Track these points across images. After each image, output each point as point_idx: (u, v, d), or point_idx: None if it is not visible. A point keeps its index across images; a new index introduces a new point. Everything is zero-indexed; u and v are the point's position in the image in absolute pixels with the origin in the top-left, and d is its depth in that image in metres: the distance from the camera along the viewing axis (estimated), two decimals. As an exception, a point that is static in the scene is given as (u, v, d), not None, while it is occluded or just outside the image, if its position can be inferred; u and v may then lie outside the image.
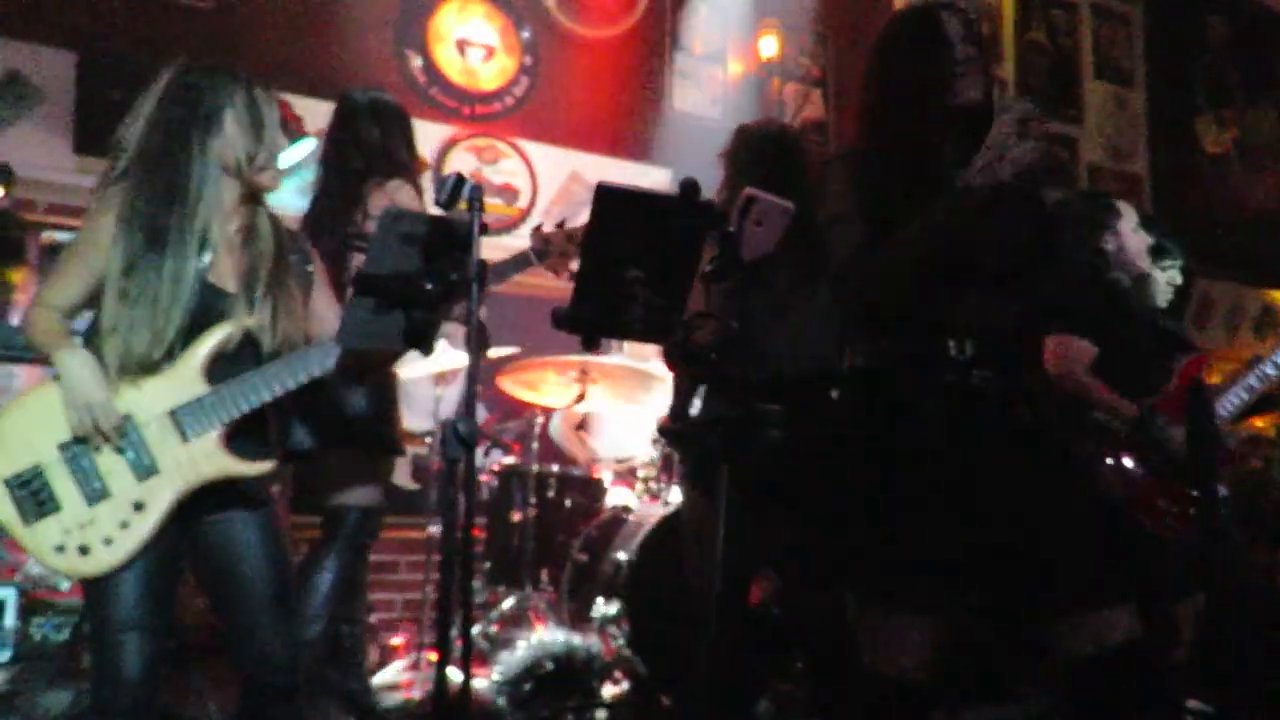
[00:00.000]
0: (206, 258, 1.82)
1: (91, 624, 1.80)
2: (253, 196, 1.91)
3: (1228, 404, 2.68)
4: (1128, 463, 2.49)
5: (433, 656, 3.34)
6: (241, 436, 1.84)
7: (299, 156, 4.01)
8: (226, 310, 1.83)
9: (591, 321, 1.61)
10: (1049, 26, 6.49)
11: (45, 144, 3.78)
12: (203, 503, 1.82)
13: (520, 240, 4.65)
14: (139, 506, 1.75)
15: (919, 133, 1.70)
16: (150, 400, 1.78)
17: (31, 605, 3.27)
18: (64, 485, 1.75)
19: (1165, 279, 3.02)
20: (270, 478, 1.90)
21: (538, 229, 2.55)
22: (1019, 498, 1.58)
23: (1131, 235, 2.72)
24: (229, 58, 4.15)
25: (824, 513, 1.63)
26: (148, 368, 1.76)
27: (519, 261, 2.52)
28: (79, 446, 1.76)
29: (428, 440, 3.85)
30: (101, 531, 1.73)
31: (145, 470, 1.77)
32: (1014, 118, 1.49)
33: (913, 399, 1.58)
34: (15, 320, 3.66)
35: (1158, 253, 3.01)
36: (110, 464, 1.76)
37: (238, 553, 1.84)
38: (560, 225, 2.49)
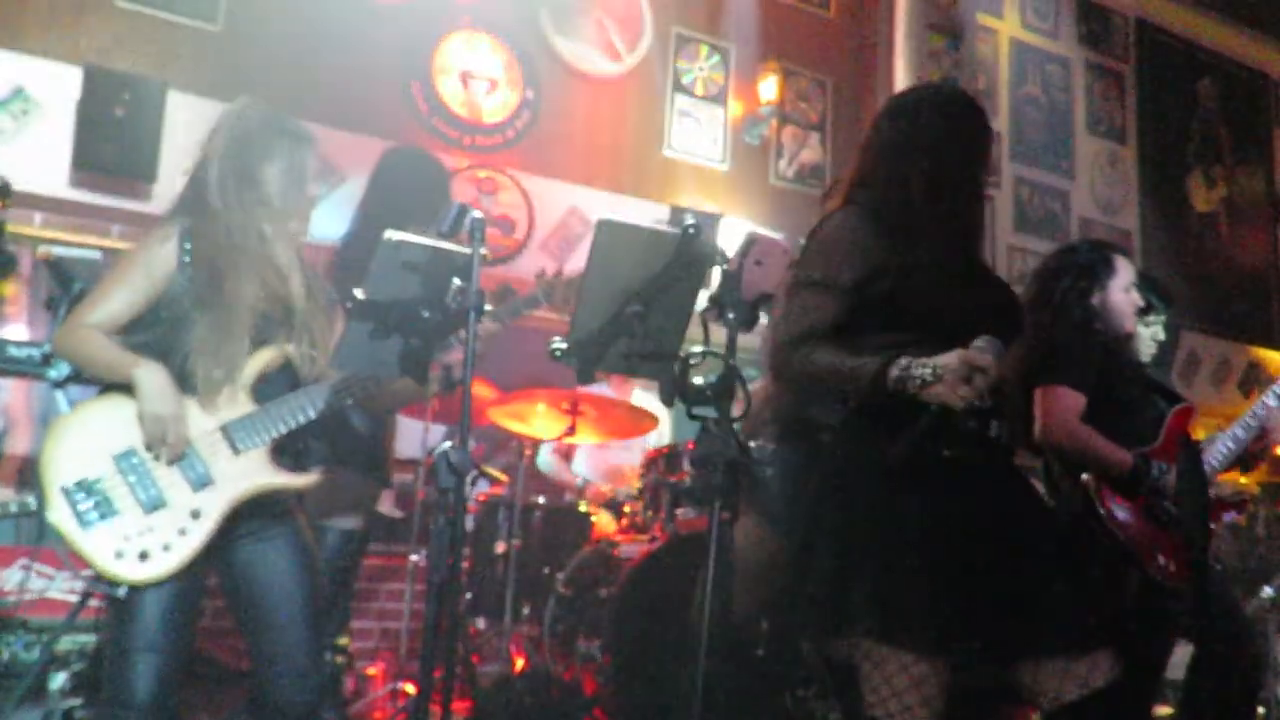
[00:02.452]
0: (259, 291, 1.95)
1: (109, 642, 1.83)
2: (294, 234, 2.05)
3: (1216, 454, 2.69)
4: (1126, 509, 2.49)
5: (410, 688, 3.30)
6: (282, 452, 1.93)
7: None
8: (269, 337, 1.93)
9: (588, 355, 1.61)
10: (1043, 81, 6.60)
11: (44, 158, 3.78)
12: (237, 522, 1.89)
13: (514, 271, 4.69)
14: (196, 515, 1.83)
15: (971, 214, 1.75)
16: (203, 418, 1.88)
17: (2, 622, 3.22)
18: (122, 494, 1.81)
19: (1149, 334, 3.04)
20: (299, 492, 1.99)
21: (542, 273, 2.55)
22: (1016, 543, 1.58)
23: (1120, 294, 2.73)
24: (235, 81, 4.19)
25: (830, 556, 1.61)
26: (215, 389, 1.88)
27: (527, 303, 2.51)
28: (136, 457, 1.83)
29: (418, 469, 3.84)
30: (161, 538, 1.79)
31: (200, 481, 1.85)
32: (975, 360, 1.48)
33: (932, 445, 1.56)
34: (2, 332, 3.65)
35: (1143, 310, 3.03)
36: (166, 475, 1.84)
37: (268, 577, 1.90)
38: (558, 273, 2.50)
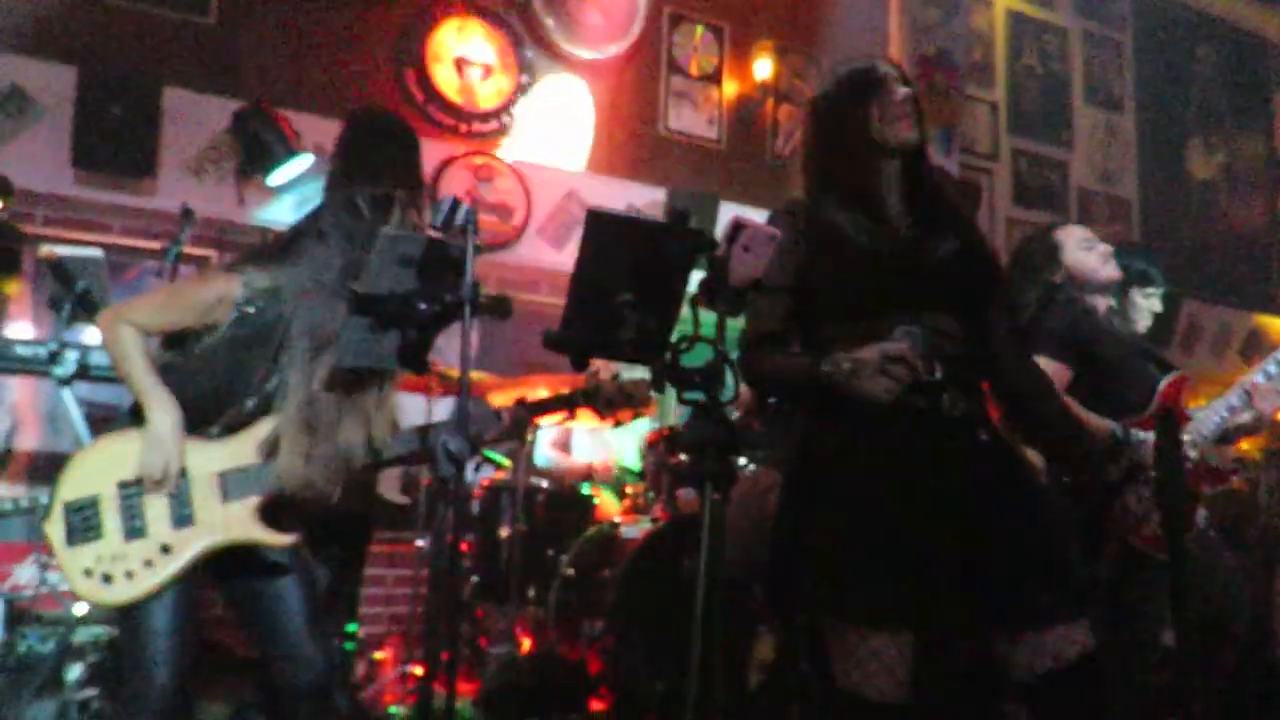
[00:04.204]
0: None
1: (122, 636, 1.92)
2: None
3: (1209, 423, 2.71)
4: (1113, 481, 2.52)
5: (419, 671, 3.35)
6: (277, 509, 1.97)
7: (296, 172, 4.05)
8: (285, 396, 1.95)
9: (582, 343, 1.64)
10: (1040, 52, 6.57)
11: (44, 157, 3.80)
12: (234, 560, 1.95)
13: (514, 258, 4.71)
14: (165, 550, 1.88)
15: (858, 172, 1.79)
16: (206, 459, 1.93)
17: (18, 616, 3.27)
18: (111, 519, 1.89)
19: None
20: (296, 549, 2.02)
21: (595, 373, 2.44)
22: (982, 517, 1.61)
23: (1077, 254, 2.75)
24: (229, 74, 4.21)
25: (797, 531, 1.66)
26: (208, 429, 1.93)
27: (566, 400, 2.41)
28: (136, 487, 1.90)
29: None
30: (126, 565, 1.86)
31: (182, 520, 1.90)
32: (888, 352, 1.56)
33: (885, 418, 1.62)
34: (7, 331, 3.69)
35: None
36: (155, 508, 1.90)
37: (267, 590, 1.98)
38: (615, 376, 2.44)
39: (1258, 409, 2.66)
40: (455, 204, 1.72)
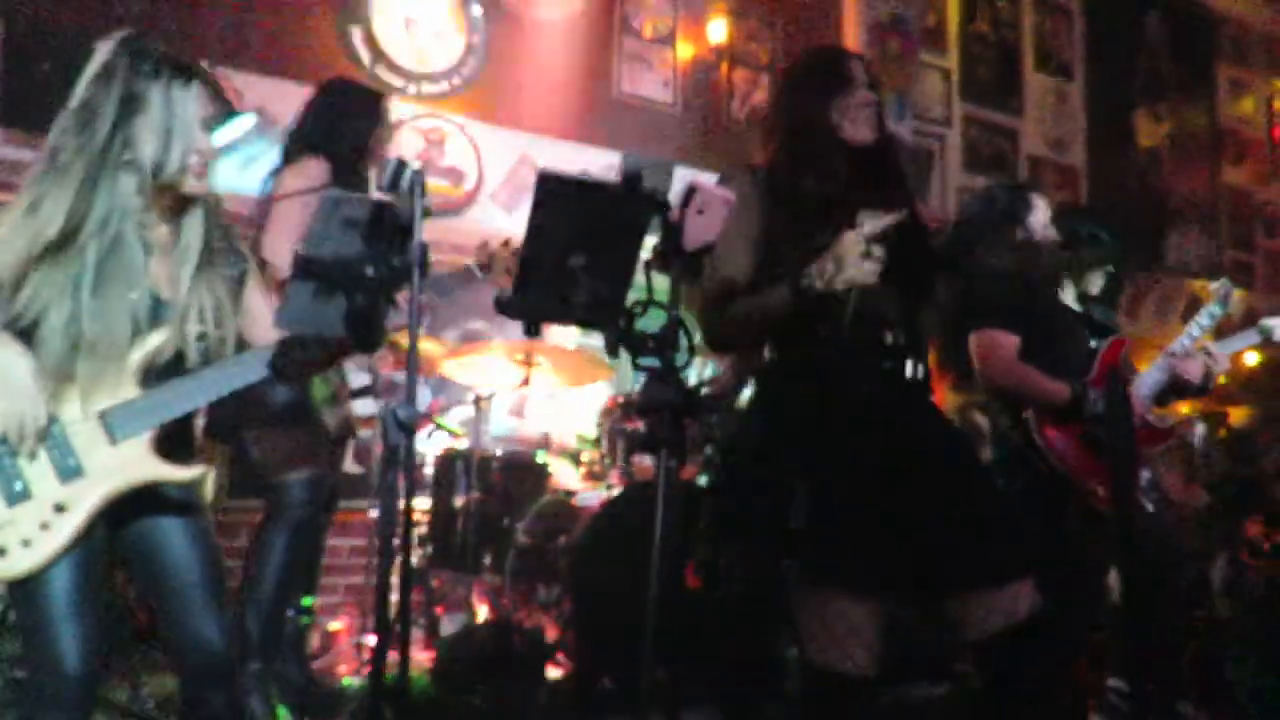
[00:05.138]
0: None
1: (23, 623, 1.75)
2: (184, 197, 1.85)
3: (1146, 384, 2.77)
4: (1064, 439, 2.56)
5: (373, 640, 3.33)
6: (170, 440, 1.80)
7: (237, 134, 3.92)
8: (161, 316, 1.80)
9: (535, 307, 1.61)
10: (993, 18, 6.59)
11: (-31, 116, 3.64)
12: (130, 509, 1.79)
13: (465, 223, 4.63)
14: (60, 508, 1.70)
15: (819, 159, 1.84)
16: (81, 403, 1.73)
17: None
18: None
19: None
20: (198, 485, 1.86)
21: (483, 244, 2.58)
22: (938, 481, 1.64)
23: (1041, 231, 2.78)
24: (168, 31, 4.05)
25: (762, 496, 1.66)
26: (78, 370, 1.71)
27: (463, 276, 2.55)
28: (4, 447, 1.70)
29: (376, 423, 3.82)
30: (20, 533, 1.67)
31: (70, 472, 1.71)
32: (863, 234, 1.60)
33: (850, 383, 1.63)
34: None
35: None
36: (35, 466, 1.70)
37: (161, 544, 1.81)
38: (505, 243, 2.52)
39: (1180, 370, 2.73)
40: (400, 165, 1.67)
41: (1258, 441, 5.21)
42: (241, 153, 3.96)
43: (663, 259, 1.58)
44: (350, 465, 4.12)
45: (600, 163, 5.08)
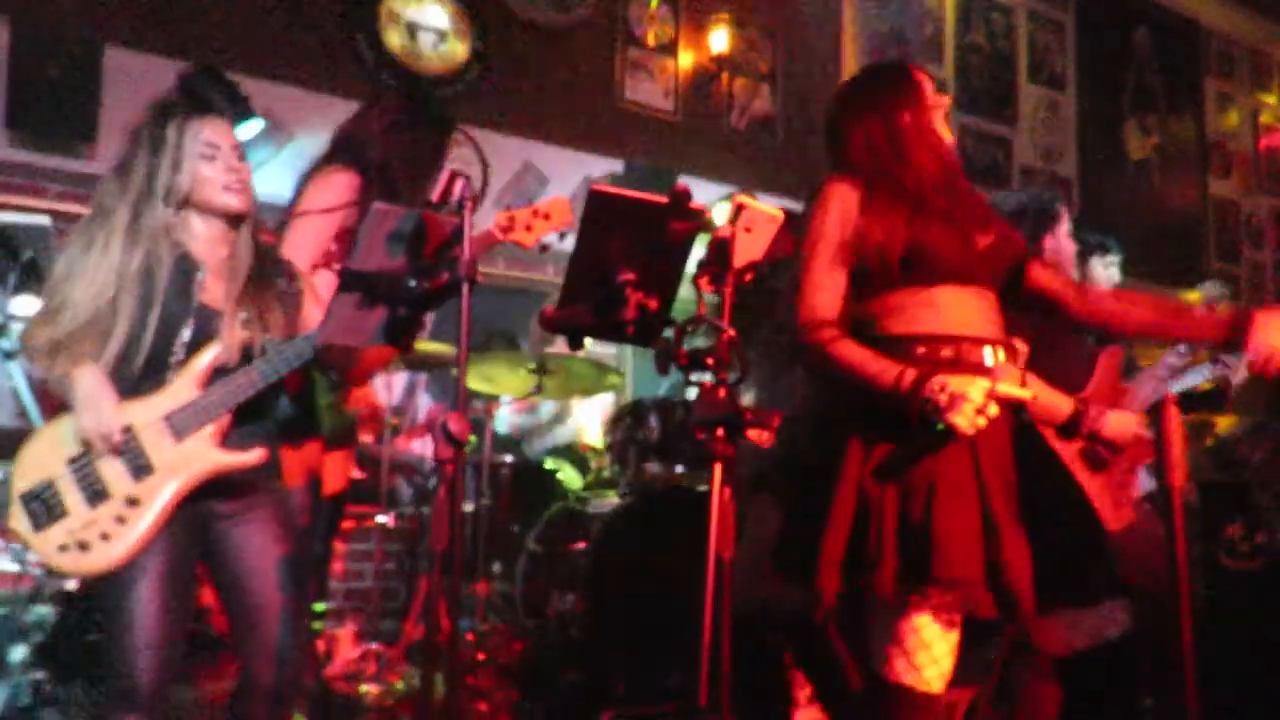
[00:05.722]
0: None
1: (106, 628, 1.87)
2: (232, 219, 1.99)
3: (1139, 396, 2.80)
4: (1065, 452, 2.59)
5: (375, 647, 3.32)
6: (238, 434, 1.93)
7: (247, 136, 3.91)
8: (219, 330, 1.92)
9: (581, 324, 1.63)
10: (988, 29, 6.67)
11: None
12: (211, 505, 1.92)
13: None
14: (133, 502, 1.85)
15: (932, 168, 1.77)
16: (149, 409, 1.89)
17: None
18: (71, 494, 1.87)
19: (1106, 275, 3.16)
20: (272, 470, 2.01)
21: (506, 211, 2.53)
22: (1030, 496, 1.63)
23: (1065, 239, 2.82)
24: (174, 34, 4.03)
25: (814, 514, 1.64)
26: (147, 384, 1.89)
27: (483, 240, 2.49)
28: (86, 459, 1.87)
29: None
30: (99, 529, 1.83)
31: (141, 470, 1.87)
32: (994, 390, 1.54)
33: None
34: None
35: (1101, 249, 3.13)
36: (111, 469, 1.87)
37: (249, 563, 1.93)
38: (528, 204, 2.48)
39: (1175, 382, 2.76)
40: (452, 178, 1.68)
41: (1240, 450, 5.29)
42: (250, 157, 3.95)
43: (711, 276, 1.60)
44: (353, 471, 4.11)
45: (602, 170, 5.11)
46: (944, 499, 1.58)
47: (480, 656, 3.09)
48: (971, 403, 1.50)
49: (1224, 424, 5.55)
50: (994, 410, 1.52)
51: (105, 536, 1.82)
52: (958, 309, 1.67)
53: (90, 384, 1.84)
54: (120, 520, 1.83)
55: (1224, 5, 7.59)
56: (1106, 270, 3.09)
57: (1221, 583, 3.48)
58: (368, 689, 2.99)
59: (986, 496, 1.60)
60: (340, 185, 2.60)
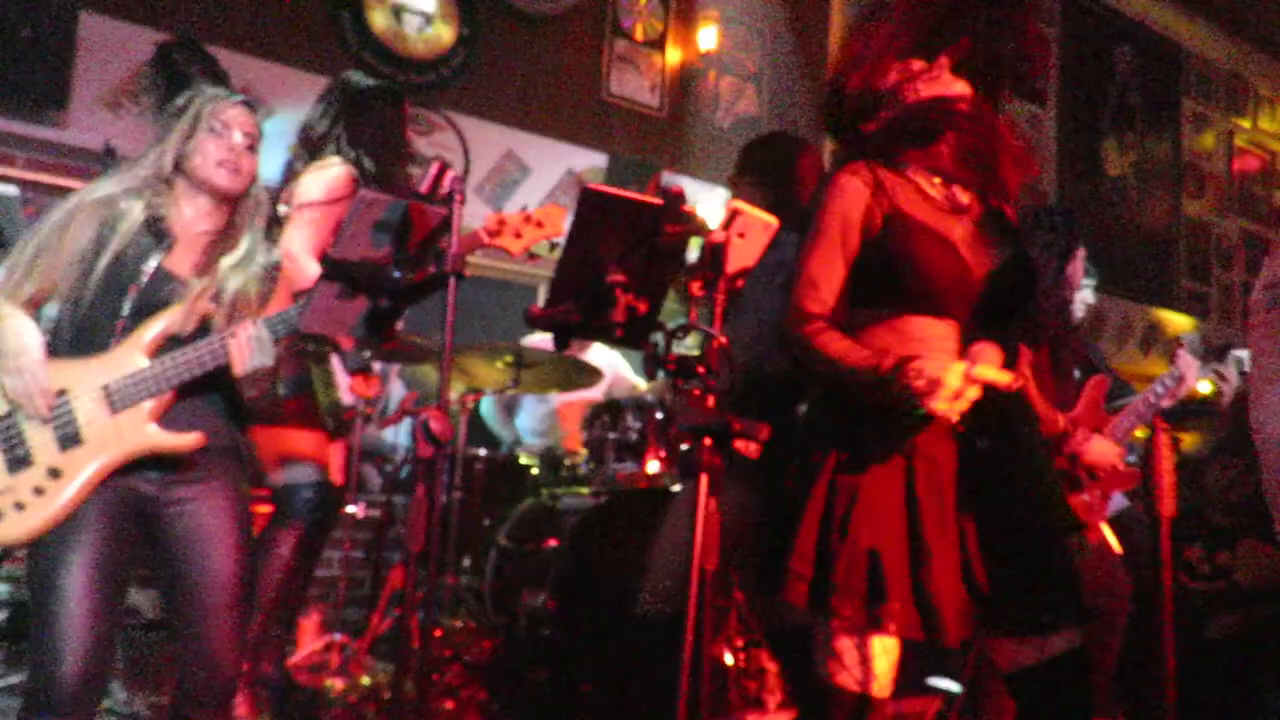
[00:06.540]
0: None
1: (33, 618, 1.74)
2: (226, 199, 1.95)
3: (1117, 432, 2.84)
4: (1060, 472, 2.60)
5: (339, 638, 3.27)
6: (184, 413, 1.83)
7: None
8: (176, 296, 1.84)
9: (569, 324, 1.60)
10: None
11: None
12: (156, 490, 1.81)
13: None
14: (55, 474, 1.75)
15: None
16: (89, 376, 1.79)
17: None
18: None
19: (1080, 297, 3.17)
20: (234, 451, 1.91)
21: (497, 214, 2.52)
22: (987, 518, 1.61)
23: (1079, 262, 2.83)
24: (154, 3, 3.93)
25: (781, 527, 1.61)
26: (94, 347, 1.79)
27: (468, 243, 2.48)
28: (12, 419, 1.77)
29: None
30: (15, 497, 1.73)
31: (68, 440, 1.77)
32: (972, 373, 1.52)
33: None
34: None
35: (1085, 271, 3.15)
36: (38, 434, 1.77)
37: (196, 554, 1.82)
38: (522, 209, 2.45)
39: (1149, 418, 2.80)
40: (441, 170, 1.64)
41: (1205, 469, 5.36)
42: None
43: (703, 281, 1.57)
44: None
45: (585, 163, 5.06)
46: (864, 515, 1.56)
47: (447, 653, 3.05)
48: (948, 387, 1.48)
49: (1189, 441, 5.62)
50: (973, 393, 1.51)
51: (20, 506, 1.72)
52: (925, 339, 1.64)
53: (24, 337, 1.74)
54: (39, 491, 1.72)
55: (1205, 28, 7.68)
56: (1082, 294, 3.10)
57: (1181, 604, 3.53)
58: (332, 683, 2.93)
59: (918, 517, 1.57)
60: (339, 177, 2.55)
